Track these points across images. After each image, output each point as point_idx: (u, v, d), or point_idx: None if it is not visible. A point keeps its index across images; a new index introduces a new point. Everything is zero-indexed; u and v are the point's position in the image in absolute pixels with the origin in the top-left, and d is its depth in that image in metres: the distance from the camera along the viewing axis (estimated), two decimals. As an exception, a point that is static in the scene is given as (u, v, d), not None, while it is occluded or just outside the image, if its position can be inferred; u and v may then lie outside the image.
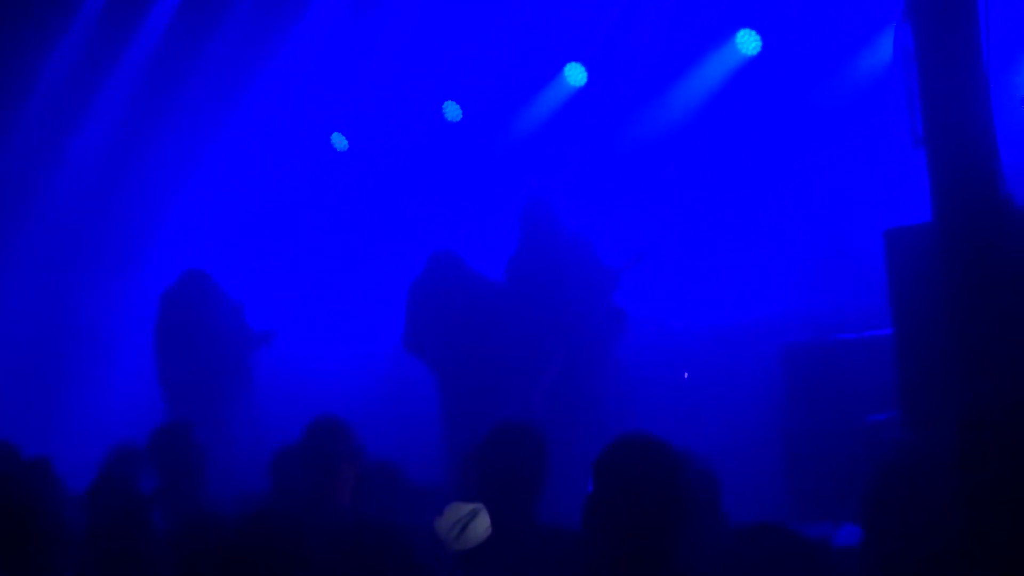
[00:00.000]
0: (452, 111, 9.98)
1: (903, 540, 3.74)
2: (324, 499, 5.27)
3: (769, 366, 7.69)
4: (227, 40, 10.32)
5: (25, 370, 10.39)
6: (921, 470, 3.89)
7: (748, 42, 8.91)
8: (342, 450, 5.42)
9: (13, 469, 5.71)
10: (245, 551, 3.72)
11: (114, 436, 6.90)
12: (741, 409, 7.76)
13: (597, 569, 3.62)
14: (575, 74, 9.53)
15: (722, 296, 8.86)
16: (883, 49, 6.98)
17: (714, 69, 9.13)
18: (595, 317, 8.04)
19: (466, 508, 4.50)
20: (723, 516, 4.55)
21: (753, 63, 8.97)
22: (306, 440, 5.48)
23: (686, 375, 8.55)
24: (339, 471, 5.37)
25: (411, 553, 4.56)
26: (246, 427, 8.44)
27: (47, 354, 10.53)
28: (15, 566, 4.29)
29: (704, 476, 4.60)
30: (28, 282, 10.55)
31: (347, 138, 10.51)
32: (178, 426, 6.39)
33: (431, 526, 4.50)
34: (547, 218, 8.06)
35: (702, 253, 9.03)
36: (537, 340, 7.94)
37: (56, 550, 4.42)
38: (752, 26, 8.87)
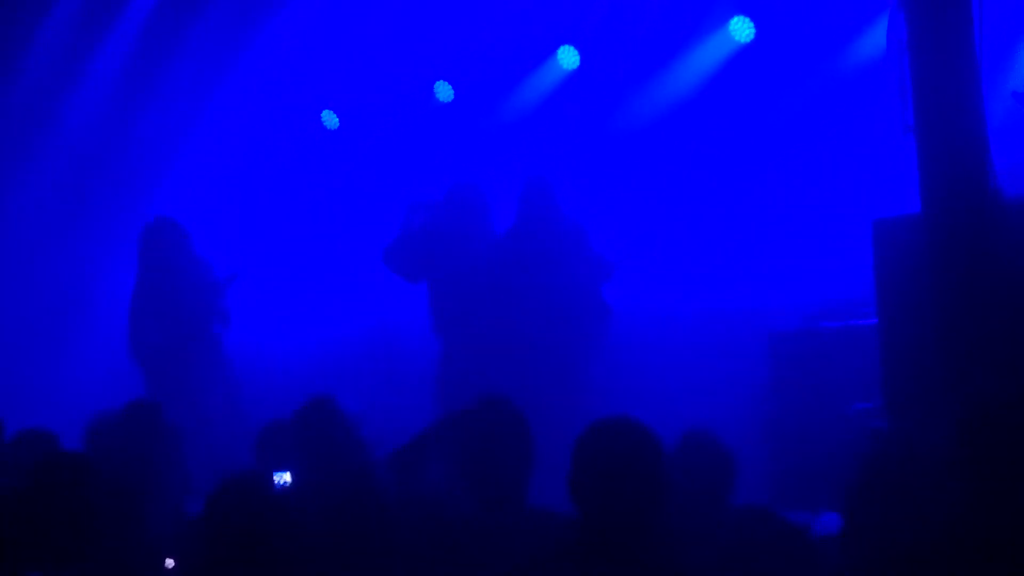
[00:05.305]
0: (444, 91, 9.96)
1: (885, 529, 3.75)
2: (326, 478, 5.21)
3: (755, 353, 7.71)
4: (218, 17, 10.27)
5: (21, 339, 10.42)
6: (904, 461, 3.90)
7: (742, 29, 8.90)
8: (343, 426, 5.36)
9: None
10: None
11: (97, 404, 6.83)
12: (726, 396, 7.76)
13: (577, 550, 3.64)
14: (568, 57, 9.51)
15: (708, 283, 8.87)
16: (876, 38, 6.97)
17: (707, 55, 9.11)
18: (586, 303, 8.04)
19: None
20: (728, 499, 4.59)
21: (746, 50, 8.96)
22: (304, 419, 5.38)
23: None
24: (340, 450, 5.30)
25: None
26: (223, 402, 8.40)
27: (41, 327, 10.54)
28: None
29: (721, 458, 4.65)
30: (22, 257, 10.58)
31: (338, 116, 10.48)
32: (146, 407, 6.20)
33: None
34: (545, 201, 8.07)
35: (689, 240, 9.03)
36: (525, 323, 7.93)
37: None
38: (746, 13, 8.86)
